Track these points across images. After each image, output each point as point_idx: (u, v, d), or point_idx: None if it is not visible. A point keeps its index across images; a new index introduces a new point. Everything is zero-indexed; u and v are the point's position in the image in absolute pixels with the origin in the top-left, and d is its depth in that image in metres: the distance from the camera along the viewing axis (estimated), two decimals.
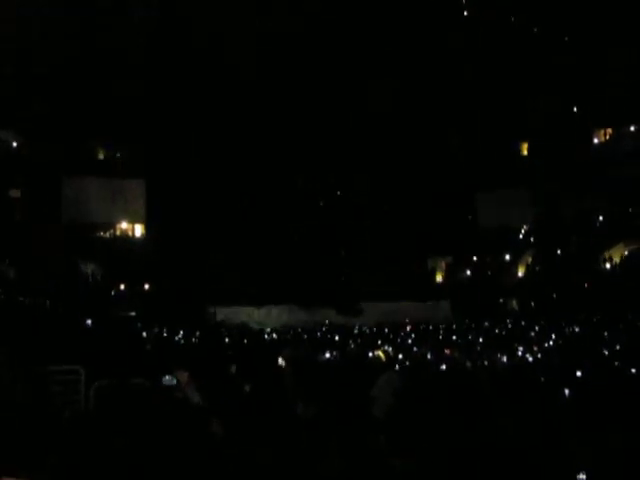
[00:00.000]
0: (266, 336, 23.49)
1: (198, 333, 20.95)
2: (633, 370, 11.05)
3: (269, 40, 33.77)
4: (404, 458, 5.70)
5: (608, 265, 32.69)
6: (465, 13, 37.48)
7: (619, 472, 5.08)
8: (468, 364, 12.51)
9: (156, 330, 21.28)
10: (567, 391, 8.02)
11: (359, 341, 19.60)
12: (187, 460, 4.66)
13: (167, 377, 4.52)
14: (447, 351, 15.29)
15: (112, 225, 36.12)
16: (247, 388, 7.82)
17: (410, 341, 20.31)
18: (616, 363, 12.14)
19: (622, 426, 6.09)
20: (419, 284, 35.46)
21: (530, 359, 13.93)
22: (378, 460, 5.69)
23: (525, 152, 39.56)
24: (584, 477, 4.72)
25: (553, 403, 7.62)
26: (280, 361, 12.19)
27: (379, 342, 19.12)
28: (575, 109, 36.94)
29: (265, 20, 33.93)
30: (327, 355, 14.36)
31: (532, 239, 37.43)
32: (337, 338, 21.31)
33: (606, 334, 19.29)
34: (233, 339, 20.19)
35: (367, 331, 25.48)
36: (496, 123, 37.15)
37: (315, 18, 34.26)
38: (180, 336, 20.20)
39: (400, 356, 14.34)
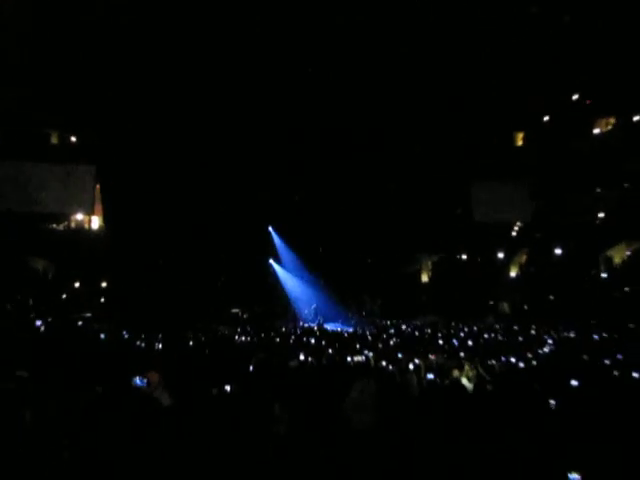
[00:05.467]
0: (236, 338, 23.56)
1: (160, 335, 20.83)
2: (634, 379, 11.20)
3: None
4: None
5: (608, 266, 33.09)
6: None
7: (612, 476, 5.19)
8: (455, 372, 12.57)
9: (115, 332, 21.16)
10: (561, 401, 8.10)
11: (337, 345, 19.59)
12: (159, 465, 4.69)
13: (137, 379, 4.58)
14: (432, 357, 15.34)
15: (66, 216, 35.15)
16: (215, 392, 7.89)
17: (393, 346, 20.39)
18: (615, 372, 12.26)
19: (618, 440, 6.19)
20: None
21: (522, 366, 14.05)
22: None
23: (520, 142, 39.69)
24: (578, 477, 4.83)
25: (546, 413, 7.71)
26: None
27: (358, 347, 19.16)
28: (575, 96, 37.16)
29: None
30: (302, 358, 14.36)
31: (527, 237, 37.67)
32: (313, 341, 21.38)
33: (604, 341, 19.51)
34: (199, 342, 20.15)
35: (346, 335, 25.52)
36: (493, 111, 37.17)
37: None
38: (141, 339, 20.07)
39: (383, 362, 14.41)
